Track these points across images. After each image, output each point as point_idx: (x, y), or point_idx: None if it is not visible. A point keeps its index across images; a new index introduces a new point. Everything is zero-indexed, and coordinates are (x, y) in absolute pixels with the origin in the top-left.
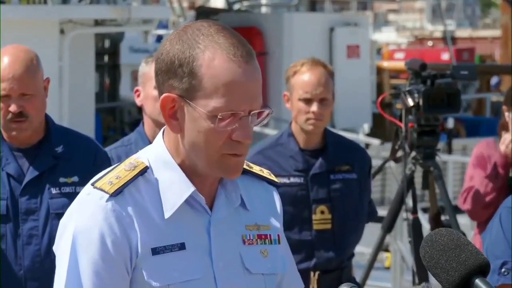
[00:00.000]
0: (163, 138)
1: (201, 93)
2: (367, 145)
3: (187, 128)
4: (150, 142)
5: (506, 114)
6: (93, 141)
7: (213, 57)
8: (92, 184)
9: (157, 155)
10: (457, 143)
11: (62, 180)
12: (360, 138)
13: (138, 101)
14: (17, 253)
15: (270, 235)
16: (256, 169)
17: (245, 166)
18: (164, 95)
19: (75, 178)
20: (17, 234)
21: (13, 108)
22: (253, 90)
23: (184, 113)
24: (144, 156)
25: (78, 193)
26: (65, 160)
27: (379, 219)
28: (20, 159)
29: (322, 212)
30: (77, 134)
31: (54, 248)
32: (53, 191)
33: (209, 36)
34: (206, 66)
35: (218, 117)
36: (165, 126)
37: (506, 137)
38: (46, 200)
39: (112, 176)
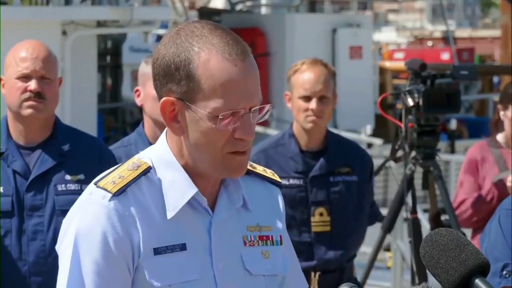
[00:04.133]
0: (166, 138)
1: (200, 95)
2: (370, 145)
3: (189, 130)
4: (150, 142)
5: (502, 113)
6: (98, 140)
7: (209, 58)
8: (95, 184)
9: (159, 155)
10: (459, 144)
11: (68, 177)
12: (362, 137)
13: (138, 101)
14: (22, 249)
15: (272, 236)
16: (259, 169)
17: (248, 166)
18: (163, 99)
19: (81, 176)
20: (22, 230)
21: (34, 86)
22: (251, 87)
23: (185, 115)
24: (147, 156)
25: (84, 191)
26: (71, 158)
27: (380, 219)
28: (27, 156)
29: (321, 214)
30: (82, 133)
31: (57, 247)
32: (59, 188)
33: (202, 37)
34: (202, 67)
35: (220, 117)
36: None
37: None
38: (51, 196)
39: (115, 176)
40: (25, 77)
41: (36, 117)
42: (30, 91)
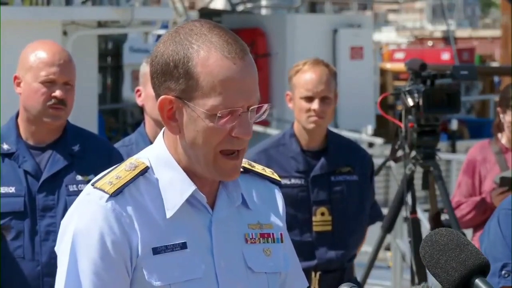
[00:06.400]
0: (163, 138)
1: (198, 92)
2: (371, 144)
3: (187, 129)
4: (151, 142)
5: (501, 116)
6: (106, 140)
7: (208, 55)
8: (92, 184)
9: (157, 155)
10: (460, 144)
11: (79, 178)
12: (363, 137)
13: (139, 101)
14: (35, 249)
15: (273, 234)
16: (258, 168)
17: (247, 165)
18: (161, 97)
19: (91, 176)
20: (35, 231)
21: (59, 93)
22: (250, 86)
23: (183, 114)
24: (144, 156)
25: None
26: (81, 158)
27: (381, 219)
28: (37, 157)
29: (322, 214)
30: (90, 133)
31: (56, 248)
32: (71, 188)
33: (202, 35)
34: (201, 65)
35: (218, 115)
36: (165, 127)
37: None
38: (63, 197)
39: (112, 176)
40: (50, 82)
41: (56, 124)
42: (55, 97)
